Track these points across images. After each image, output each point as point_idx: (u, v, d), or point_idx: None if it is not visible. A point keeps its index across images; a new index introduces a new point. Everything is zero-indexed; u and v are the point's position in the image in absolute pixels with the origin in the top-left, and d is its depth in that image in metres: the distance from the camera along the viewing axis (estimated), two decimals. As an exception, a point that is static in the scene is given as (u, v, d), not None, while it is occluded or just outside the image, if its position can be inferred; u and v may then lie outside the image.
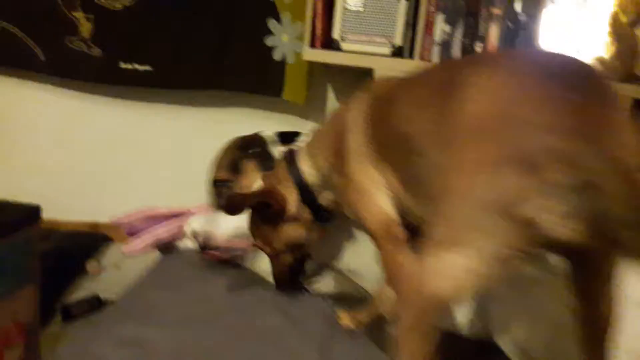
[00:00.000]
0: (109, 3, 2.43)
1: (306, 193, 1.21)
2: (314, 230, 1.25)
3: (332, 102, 2.66)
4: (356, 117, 1.14)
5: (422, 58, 2.15)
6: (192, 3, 2.43)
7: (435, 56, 2.15)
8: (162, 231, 1.38)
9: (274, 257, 1.23)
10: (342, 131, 1.15)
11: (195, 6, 2.43)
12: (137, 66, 2.45)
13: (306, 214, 1.23)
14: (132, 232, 1.40)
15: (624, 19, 2.08)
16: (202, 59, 2.45)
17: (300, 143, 1.32)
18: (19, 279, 1.60)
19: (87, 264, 2.35)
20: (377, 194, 1.07)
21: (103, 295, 2.03)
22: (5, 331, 1.45)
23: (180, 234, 1.41)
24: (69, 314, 1.94)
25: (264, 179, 1.25)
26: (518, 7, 2.08)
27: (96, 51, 2.44)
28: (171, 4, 2.44)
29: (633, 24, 2.07)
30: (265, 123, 2.62)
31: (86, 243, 2.54)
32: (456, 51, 2.14)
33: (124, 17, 2.44)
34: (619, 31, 2.09)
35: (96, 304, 2.03)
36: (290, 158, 1.24)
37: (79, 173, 2.70)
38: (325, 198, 1.25)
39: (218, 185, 1.37)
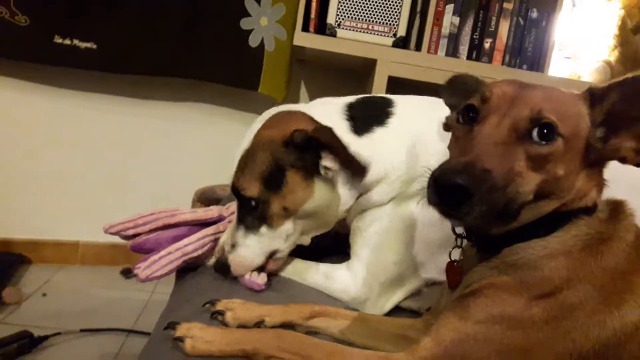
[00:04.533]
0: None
1: None
2: None
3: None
4: None
5: (429, 51, 1.92)
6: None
7: (443, 50, 1.93)
8: (192, 247, 0.94)
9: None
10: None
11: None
12: (77, 42, 1.95)
13: None
14: (143, 246, 0.94)
15: (630, 25, 2.01)
16: (162, 39, 1.99)
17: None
18: None
19: (3, 292, 1.81)
20: None
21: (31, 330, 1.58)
22: None
23: (212, 249, 0.97)
24: (-8, 357, 1.46)
25: None
26: (531, 3, 1.94)
27: (22, 19, 1.91)
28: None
29: (636, 30, 2.02)
30: (232, 120, 2.25)
31: (-3, 265, 1.97)
32: (464, 46, 1.95)
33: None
34: (624, 36, 2.03)
35: (28, 342, 1.55)
36: None
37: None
38: None
39: (246, 201, 0.86)
